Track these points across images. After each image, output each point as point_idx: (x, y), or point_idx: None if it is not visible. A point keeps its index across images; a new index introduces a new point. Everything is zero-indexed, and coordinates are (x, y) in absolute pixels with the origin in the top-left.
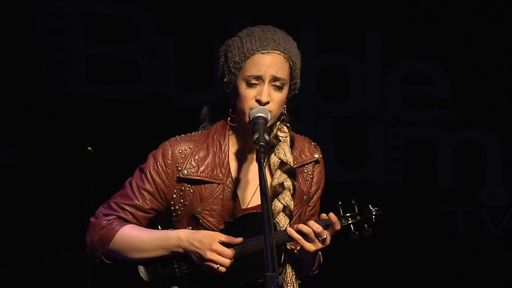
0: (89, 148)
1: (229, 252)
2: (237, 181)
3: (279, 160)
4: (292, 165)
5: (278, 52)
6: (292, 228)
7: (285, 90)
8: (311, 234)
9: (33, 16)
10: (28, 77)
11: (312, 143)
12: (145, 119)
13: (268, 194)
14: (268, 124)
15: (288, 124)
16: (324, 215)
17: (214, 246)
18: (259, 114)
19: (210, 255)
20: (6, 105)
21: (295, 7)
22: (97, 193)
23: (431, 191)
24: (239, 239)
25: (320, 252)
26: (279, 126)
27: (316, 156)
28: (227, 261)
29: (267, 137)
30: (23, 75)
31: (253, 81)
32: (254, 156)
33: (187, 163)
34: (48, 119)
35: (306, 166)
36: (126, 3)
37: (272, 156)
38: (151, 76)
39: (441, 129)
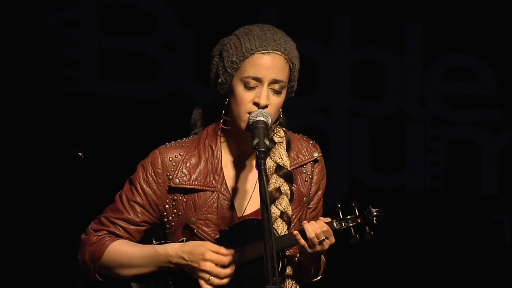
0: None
1: (224, 259)
2: (232, 188)
3: (275, 164)
4: (289, 168)
5: (279, 52)
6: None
7: (284, 93)
8: (313, 235)
9: (42, 7)
10: (36, 73)
11: (311, 142)
12: (164, 118)
13: (268, 202)
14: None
15: (284, 129)
16: (322, 219)
17: (208, 256)
18: (259, 118)
19: (204, 265)
20: (10, 104)
21: None
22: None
23: (475, 199)
24: (229, 251)
25: (324, 259)
26: (275, 130)
27: (315, 155)
28: (224, 272)
29: (267, 142)
30: (31, 71)
31: (252, 84)
32: (250, 161)
33: (178, 171)
34: (58, 119)
35: (304, 166)
36: None
37: (268, 160)
38: (171, 72)
39: (486, 131)
